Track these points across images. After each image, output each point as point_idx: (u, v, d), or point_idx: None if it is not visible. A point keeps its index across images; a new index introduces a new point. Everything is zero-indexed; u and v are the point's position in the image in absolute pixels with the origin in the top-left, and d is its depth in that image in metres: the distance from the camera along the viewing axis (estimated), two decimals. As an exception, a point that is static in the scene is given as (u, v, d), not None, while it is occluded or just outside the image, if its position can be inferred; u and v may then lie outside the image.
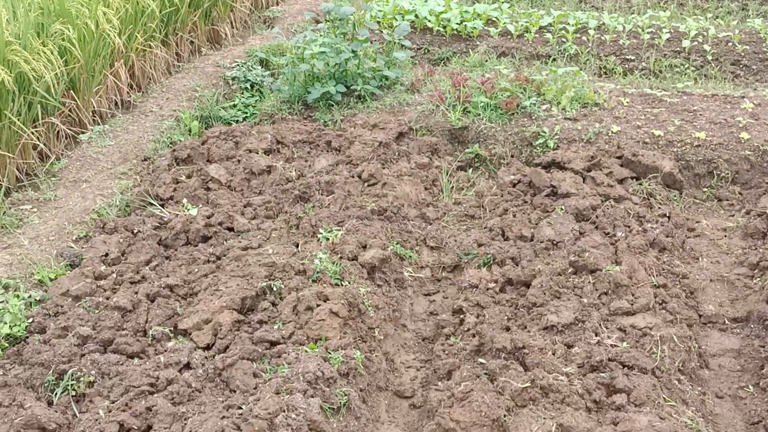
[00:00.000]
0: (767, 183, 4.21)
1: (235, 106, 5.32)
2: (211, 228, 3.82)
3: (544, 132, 4.65)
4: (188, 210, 3.94)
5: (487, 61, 6.03)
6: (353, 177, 4.35)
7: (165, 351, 2.96)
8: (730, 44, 6.13)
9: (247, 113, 5.28)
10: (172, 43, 6.09)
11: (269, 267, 3.40)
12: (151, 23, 5.41)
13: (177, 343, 3.02)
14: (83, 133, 4.73)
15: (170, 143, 4.69)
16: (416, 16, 6.62)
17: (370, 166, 4.35)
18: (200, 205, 4.03)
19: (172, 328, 3.13)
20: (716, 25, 6.62)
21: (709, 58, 5.98)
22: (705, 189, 4.35)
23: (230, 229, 3.87)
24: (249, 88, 5.56)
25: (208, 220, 3.88)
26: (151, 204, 4.06)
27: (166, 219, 3.90)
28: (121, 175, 4.31)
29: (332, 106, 5.11)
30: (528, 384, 2.65)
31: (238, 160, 4.45)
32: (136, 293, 3.30)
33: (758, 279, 3.47)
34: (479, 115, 4.87)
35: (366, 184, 4.30)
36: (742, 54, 6.00)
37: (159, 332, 3.06)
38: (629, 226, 3.74)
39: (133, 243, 3.72)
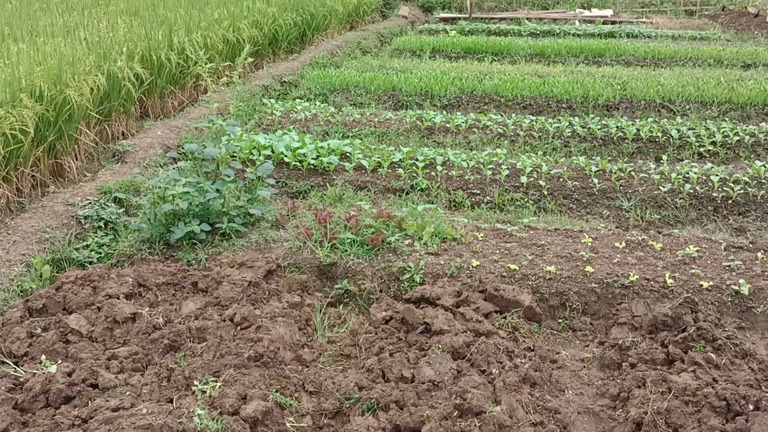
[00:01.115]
0: (614, 314, 4.57)
1: (88, 246, 5.07)
2: (74, 387, 3.54)
3: (410, 267, 4.82)
4: (47, 367, 3.64)
5: (344, 194, 6.22)
6: (225, 321, 4.24)
7: None
8: (561, 180, 6.74)
9: (101, 253, 5.04)
10: (13, 179, 5.78)
11: (145, 429, 3.18)
12: (-8, 162, 5.12)
13: None
14: None
15: (21, 292, 4.36)
16: (272, 151, 6.74)
17: (242, 308, 4.27)
18: (59, 361, 3.74)
19: None
20: (546, 161, 7.28)
21: (545, 192, 6.53)
22: (560, 320, 4.66)
23: (95, 386, 3.61)
24: (103, 226, 5.34)
25: (70, 377, 3.60)
26: (4, 362, 3.70)
27: (21, 379, 3.57)
28: (-34, 329, 3.92)
29: (196, 244, 5.01)
30: None
31: (99, 308, 4.21)
32: (-7, 470, 2.96)
33: (621, 410, 3.71)
34: (346, 251, 4.97)
35: (239, 327, 4.20)
36: (573, 189, 6.60)
37: None
38: (501, 362, 3.90)
39: (-15, 409, 3.36)
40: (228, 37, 10.92)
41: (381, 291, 4.77)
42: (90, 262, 4.92)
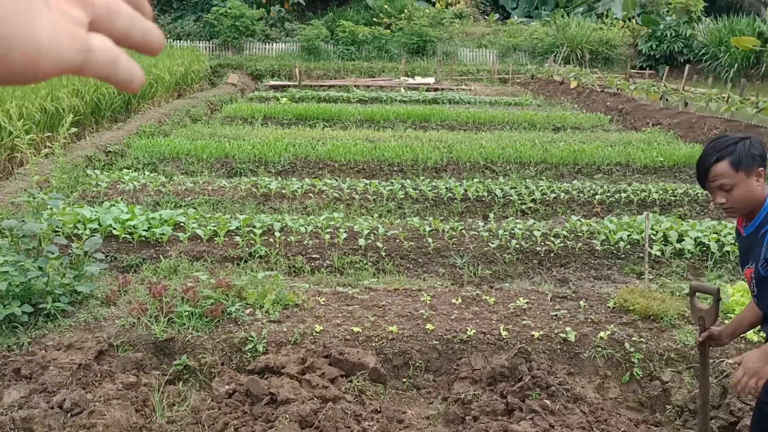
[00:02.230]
0: (455, 369, 4.70)
1: None
2: None
3: (252, 337, 4.71)
4: None
5: (180, 265, 6.02)
6: (53, 408, 3.91)
7: None
8: (397, 241, 6.93)
9: None
10: None
11: None
12: None
13: None
14: None
15: None
16: (99, 224, 6.42)
17: (72, 393, 3.97)
18: None
19: None
20: (383, 223, 7.47)
21: (383, 254, 6.67)
22: (404, 380, 4.72)
23: None
24: None
25: None
26: None
27: None
28: None
29: (17, 328, 4.62)
30: None
31: None
32: None
33: (468, 462, 3.79)
34: (184, 324, 4.78)
35: (69, 414, 3.89)
36: (409, 249, 6.81)
37: None
38: (350, 427, 3.88)
39: None
40: (46, 107, 10.39)
41: (223, 364, 4.62)
42: None
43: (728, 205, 2.84)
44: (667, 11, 29.71)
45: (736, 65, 24.68)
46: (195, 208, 7.59)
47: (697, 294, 3.58)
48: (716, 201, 2.88)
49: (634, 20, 30.86)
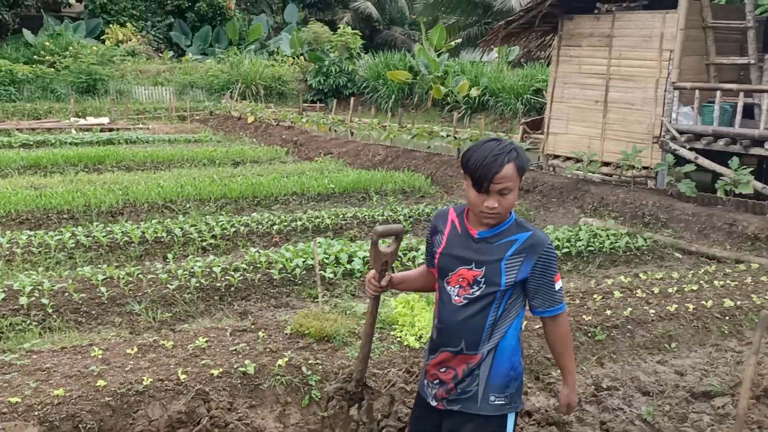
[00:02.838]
0: (131, 424, 4.44)
1: None
2: None
3: None
4: None
5: None
6: None
7: None
8: (67, 294, 6.42)
9: None
10: None
11: None
12: None
13: None
14: None
15: None
16: None
17: None
18: None
19: None
20: (49, 277, 6.88)
21: (50, 310, 6.14)
22: (76, 444, 4.36)
23: None
24: None
25: None
26: None
27: None
28: None
29: None
30: None
31: None
32: None
33: None
34: None
35: None
36: (80, 302, 6.34)
37: None
38: None
39: None
40: None
41: None
42: None
43: (498, 210, 2.72)
44: (330, 48, 31.80)
45: (393, 96, 27.18)
46: None
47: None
48: (487, 205, 2.71)
49: (302, 57, 32.49)
